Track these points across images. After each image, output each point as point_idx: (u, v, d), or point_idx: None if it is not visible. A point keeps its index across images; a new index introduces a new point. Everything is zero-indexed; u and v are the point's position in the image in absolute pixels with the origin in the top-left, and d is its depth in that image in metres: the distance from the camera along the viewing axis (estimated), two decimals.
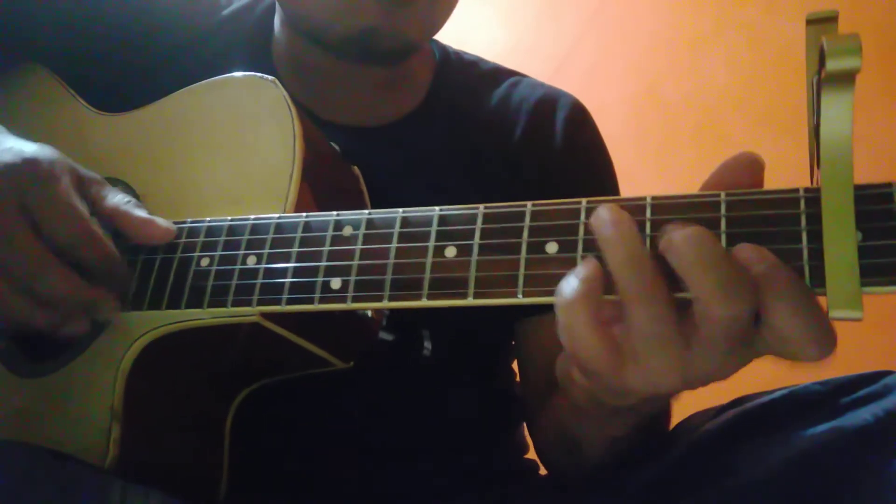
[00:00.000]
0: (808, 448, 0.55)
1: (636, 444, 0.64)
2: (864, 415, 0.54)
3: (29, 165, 0.62)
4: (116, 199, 0.67)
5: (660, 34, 2.15)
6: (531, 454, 0.96)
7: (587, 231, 0.50)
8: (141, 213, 0.66)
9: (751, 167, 0.49)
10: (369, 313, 0.71)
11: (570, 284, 0.46)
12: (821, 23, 0.45)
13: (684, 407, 0.64)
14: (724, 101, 1.99)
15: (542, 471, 0.92)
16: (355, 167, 0.78)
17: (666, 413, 0.67)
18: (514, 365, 0.97)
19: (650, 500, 0.61)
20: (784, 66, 1.84)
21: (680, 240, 0.44)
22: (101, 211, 0.65)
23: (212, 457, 0.71)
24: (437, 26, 0.83)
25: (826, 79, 0.41)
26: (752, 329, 0.44)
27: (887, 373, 0.57)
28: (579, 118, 0.94)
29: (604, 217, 0.46)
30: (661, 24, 2.15)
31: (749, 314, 0.43)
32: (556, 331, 0.48)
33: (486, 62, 0.99)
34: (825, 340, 0.43)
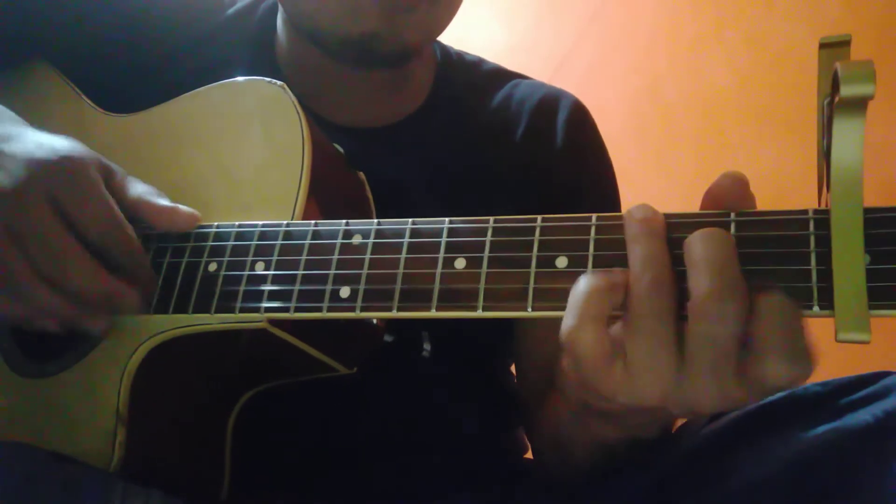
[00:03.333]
0: (808, 449, 0.55)
1: (629, 458, 0.64)
2: (865, 416, 0.54)
3: (60, 159, 0.62)
4: (140, 189, 0.67)
5: (660, 34, 2.15)
6: (531, 454, 0.96)
7: (597, 246, 0.51)
8: (164, 201, 0.67)
9: (735, 191, 0.50)
10: (375, 321, 0.71)
11: (597, 275, 0.48)
12: (834, 47, 0.45)
13: None
14: (724, 101, 1.99)
15: None
16: (360, 173, 0.78)
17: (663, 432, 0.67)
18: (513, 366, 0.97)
19: (651, 501, 0.61)
20: (784, 67, 1.84)
21: (697, 235, 0.46)
22: (124, 201, 0.66)
23: (214, 458, 0.71)
24: (438, 30, 0.84)
25: (839, 104, 0.42)
26: (737, 348, 0.44)
27: (886, 374, 0.58)
28: (580, 119, 0.94)
29: (634, 212, 0.48)
30: (661, 24, 2.15)
31: (737, 321, 0.44)
32: (552, 331, 0.48)
33: (488, 63, 0.99)
34: (799, 360, 0.44)
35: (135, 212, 0.66)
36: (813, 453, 0.55)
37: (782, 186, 1.71)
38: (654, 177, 1.98)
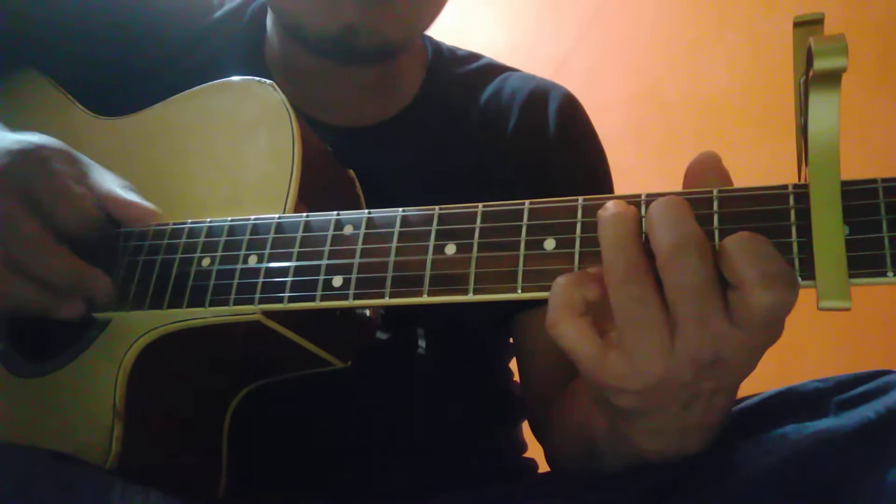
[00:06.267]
0: (808, 445, 0.55)
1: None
2: (866, 412, 0.54)
3: (34, 150, 0.64)
4: (108, 181, 0.69)
5: (660, 34, 2.15)
6: (529, 452, 0.96)
7: (584, 228, 0.51)
8: (128, 195, 0.68)
9: (709, 166, 0.51)
10: (367, 312, 0.71)
11: (567, 274, 0.49)
12: (807, 25, 0.46)
13: None
14: (724, 102, 1.99)
15: (541, 469, 0.92)
16: (350, 170, 0.79)
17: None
18: (511, 364, 0.97)
19: (651, 498, 0.61)
20: (784, 67, 1.83)
21: (653, 203, 0.48)
22: (93, 193, 0.67)
23: (210, 455, 0.72)
24: (421, 26, 0.84)
25: (814, 78, 0.42)
26: (713, 290, 0.46)
27: (886, 372, 0.58)
28: (571, 110, 0.95)
29: (607, 206, 0.49)
30: (661, 24, 2.15)
31: (704, 265, 0.45)
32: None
33: (480, 57, 0.99)
34: (776, 281, 0.44)
35: (103, 205, 0.67)
36: (813, 449, 0.54)
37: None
38: (653, 177, 1.98)
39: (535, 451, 0.92)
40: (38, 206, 0.62)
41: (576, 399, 0.74)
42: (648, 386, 0.49)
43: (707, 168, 0.50)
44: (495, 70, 0.97)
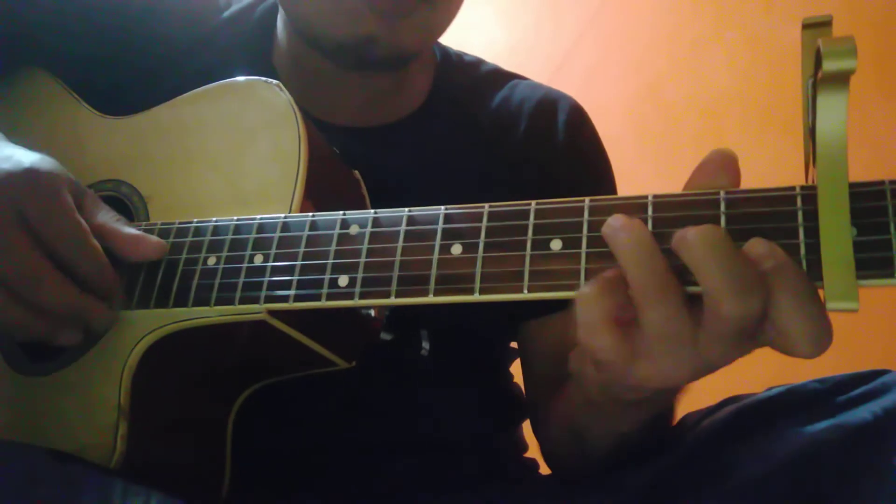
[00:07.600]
0: (807, 446, 0.55)
1: (640, 442, 0.64)
2: (863, 413, 0.54)
3: (29, 174, 0.63)
4: (104, 215, 0.67)
5: (660, 34, 2.15)
6: (530, 453, 0.96)
7: (590, 228, 0.51)
8: (130, 230, 0.67)
9: (724, 165, 0.50)
10: (372, 312, 0.71)
11: (591, 282, 0.48)
12: (816, 27, 0.46)
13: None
14: (724, 102, 1.99)
15: (542, 470, 0.92)
16: (356, 171, 0.79)
17: (671, 410, 0.68)
18: (513, 366, 0.98)
19: (650, 498, 0.61)
20: (784, 67, 1.84)
21: (693, 235, 0.45)
22: (89, 223, 0.65)
23: (214, 455, 0.71)
24: (437, 34, 0.84)
25: (822, 79, 0.43)
26: (760, 324, 0.45)
27: (884, 372, 0.58)
28: (579, 120, 0.95)
29: (614, 225, 0.48)
30: (661, 25, 2.15)
31: (759, 310, 0.44)
32: (561, 332, 0.49)
33: (487, 63, 0.99)
34: (821, 339, 0.44)
35: (100, 236, 0.66)
36: (812, 451, 0.55)
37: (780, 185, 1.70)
38: (653, 177, 1.98)
39: (535, 451, 0.92)
40: (34, 230, 0.61)
41: (562, 389, 0.74)
42: (668, 387, 0.50)
43: (725, 165, 0.50)
44: (503, 77, 0.97)
